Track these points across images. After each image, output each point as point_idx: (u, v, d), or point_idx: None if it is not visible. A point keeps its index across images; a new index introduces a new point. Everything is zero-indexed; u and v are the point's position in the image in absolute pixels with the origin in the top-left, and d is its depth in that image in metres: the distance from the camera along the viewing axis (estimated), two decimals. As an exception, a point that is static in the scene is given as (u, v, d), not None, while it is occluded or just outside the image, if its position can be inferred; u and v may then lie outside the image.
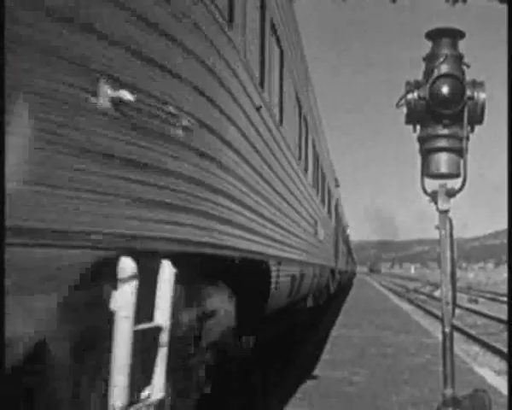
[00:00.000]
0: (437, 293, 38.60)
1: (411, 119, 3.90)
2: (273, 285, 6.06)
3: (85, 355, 2.41)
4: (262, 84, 5.58)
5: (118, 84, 2.21)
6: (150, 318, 2.70)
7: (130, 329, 2.38)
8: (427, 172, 3.94)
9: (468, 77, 3.81)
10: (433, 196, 3.92)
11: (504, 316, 20.39)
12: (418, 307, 28.55)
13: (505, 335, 15.54)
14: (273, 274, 6.03)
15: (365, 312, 20.00)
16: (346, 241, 30.21)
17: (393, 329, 14.30)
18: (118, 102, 2.19)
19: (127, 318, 2.39)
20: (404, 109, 3.86)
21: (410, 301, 32.79)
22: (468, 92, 3.77)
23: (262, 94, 5.45)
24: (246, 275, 5.09)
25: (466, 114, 3.78)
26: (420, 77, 3.87)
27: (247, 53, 4.64)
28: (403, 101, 3.85)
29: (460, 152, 3.86)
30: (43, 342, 2.03)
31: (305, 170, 9.84)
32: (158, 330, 2.75)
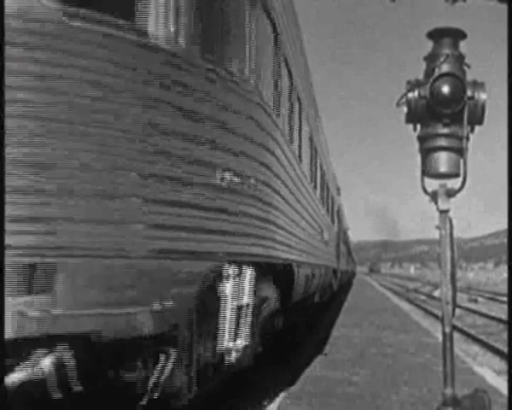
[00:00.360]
0: (437, 293, 38.59)
1: (411, 118, 3.89)
2: (295, 282, 8.26)
3: (209, 317, 4.79)
4: (291, 141, 7.84)
5: (224, 169, 4.66)
6: (241, 298, 5.14)
7: (232, 304, 4.93)
8: (426, 171, 3.94)
9: (469, 76, 3.81)
10: (433, 196, 3.92)
11: (504, 316, 20.40)
12: (418, 306, 28.56)
13: (505, 335, 15.55)
14: (295, 274, 8.18)
15: (365, 312, 20.00)
16: (347, 242, 32.46)
17: (393, 329, 14.30)
18: (223, 180, 4.65)
19: (231, 298, 4.89)
20: (405, 108, 3.86)
21: (410, 301, 32.80)
22: (469, 92, 3.77)
23: (291, 147, 7.77)
24: (281, 275, 7.31)
25: (466, 114, 3.78)
26: (420, 76, 3.87)
27: (285, 126, 7.19)
28: (403, 100, 3.84)
29: (460, 152, 3.86)
30: (188, 309, 4.32)
31: (315, 188, 11.75)
32: (245, 306, 5.18)
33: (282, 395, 6.84)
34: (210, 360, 5.03)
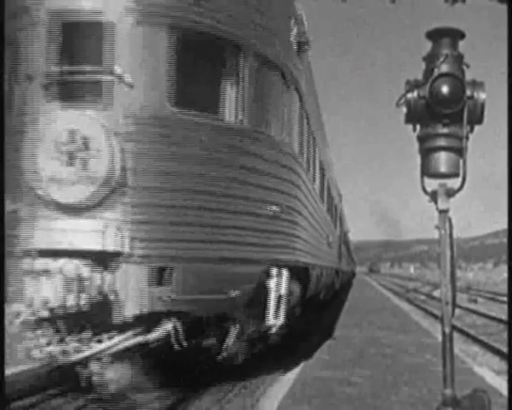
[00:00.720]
0: (436, 293, 38.60)
1: (411, 118, 3.89)
2: (310, 281, 10.42)
3: (259, 303, 6.94)
4: (308, 170, 10.08)
5: (271, 203, 7.15)
6: (280, 290, 7.34)
7: (276, 294, 7.29)
8: (426, 171, 3.94)
9: (468, 76, 3.81)
10: (433, 196, 3.91)
11: (504, 316, 20.40)
12: (417, 306, 28.55)
13: (505, 335, 15.55)
14: (310, 274, 10.35)
15: (365, 312, 20.00)
16: (347, 244, 34.23)
17: (393, 329, 14.30)
18: (270, 210, 7.07)
19: (275, 290, 7.19)
20: (404, 109, 3.86)
21: (410, 301, 32.80)
22: (468, 92, 3.76)
23: (308, 175, 10.03)
24: (301, 274, 9.12)
25: (465, 114, 3.78)
26: (419, 76, 3.87)
27: (304, 162, 9.29)
28: (403, 100, 3.84)
29: (459, 151, 3.85)
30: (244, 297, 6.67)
31: (322, 201, 13.72)
32: (282, 296, 7.38)
33: (280, 394, 6.84)
34: (257, 333, 7.56)
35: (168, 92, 6.21)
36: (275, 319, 7.43)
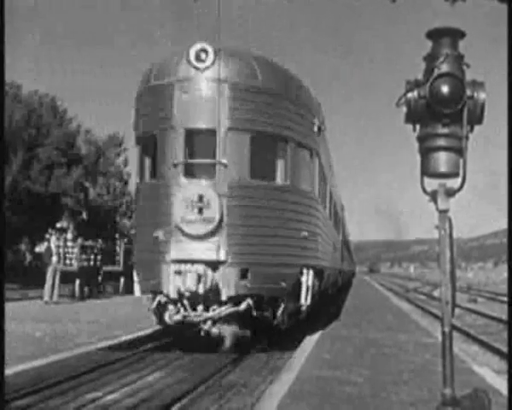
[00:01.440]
0: (436, 293, 38.57)
1: (411, 118, 3.89)
2: (324, 278, 14.94)
3: (295, 290, 11.57)
4: (324, 201, 14.16)
5: (304, 230, 11.83)
6: (308, 283, 11.90)
7: (305, 286, 11.74)
8: (426, 171, 3.93)
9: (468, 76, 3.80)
10: (433, 196, 3.91)
11: (504, 316, 20.39)
12: (417, 306, 28.54)
13: (505, 334, 15.54)
14: (324, 273, 14.84)
15: (365, 311, 19.99)
16: (348, 247, 38.47)
17: (393, 329, 14.30)
18: (304, 234, 11.87)
19: (305, 283, 11.71)
20: (404, 108, 3.85)
21: (410, 301, 32.78)
22: (468, 92, 3.76)
23: (323, 204, 14.25)
24: (319, 273, 13.29)
25: (466, 114, 3.77)
26: (419, 76, 3.86)
27: (320, 197, 13.44)
28: (403, 100, 3.84)
29: (459, 151, 3.85)
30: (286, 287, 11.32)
31: (330, 217, 17.62)
32: (309, 286, 11.90)
33: (280, 394, 6.83)
34: (294, 309, 11.84)
35: (247, 169, 10.81)
36: (305, 301, 11.86)
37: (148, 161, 11.48)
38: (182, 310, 10.45)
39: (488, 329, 18.93)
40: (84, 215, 40.37)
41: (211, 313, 10.41)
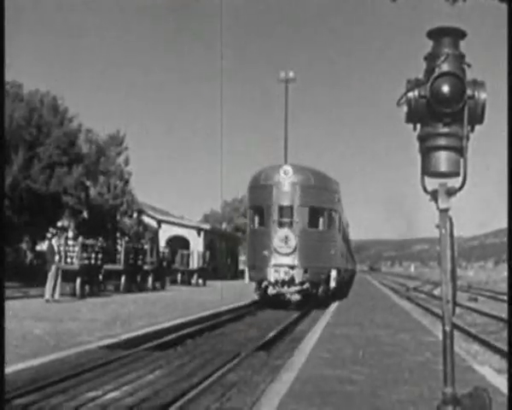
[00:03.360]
0: (437, 291, 38.55)
1: (411, 117, 3.88)
2: (340, 273, 26.20)
3: (326, 280, 23.31)
4: (340, 231, 26.24)
5: (333, 249, 24.64)
6: (335, 275, 23.91)
7: (333, 277, 23.36)
8: (426, 170, 3.93)
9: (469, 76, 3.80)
10: (434, 195, 3.91)
11: (504, 315, 20.40)
12: (418, 305, 28.56)
13: (505, 333, 15.55)
14: (341, 271, 26.97)
15: (365, 310, 20.02)
16: (350, 251, 45.86)
17: (393, 327, 14.32)
18: (332, 252, 24.92)
19: (333, 276, 23.40)
20: (405, 108, 3.85)
21: (410, 300, 32.79)
22: (469, 91, 3.76)
23: (340, 232, 26.39)
24: (339, 270, 25.24)
25: (466, 113, 3.77)
26: (420, 75, 3.86)
27: (339, 231, 26.04)
28: (403, 99, 3.84)
29: (460, 151, 3.85)
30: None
31: (342, 239, 27.47)
32: (336, 277, 23.74)
33: (279, 394, 6.85)
34: (327, 290, 23.05)
35: (307, 223, 22.51)
36: (332, 285, 22.83)
37: (257, 218, 23.02)
38: (276, 288, 21.75)
39: (489, 328, 18.94)
40: (85, 214, 40.38)
41: (290, 289, 21.86)
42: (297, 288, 21.73)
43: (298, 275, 21.62)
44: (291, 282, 21.54)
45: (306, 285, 21.81)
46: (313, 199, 22.48)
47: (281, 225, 22.05)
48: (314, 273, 22.08)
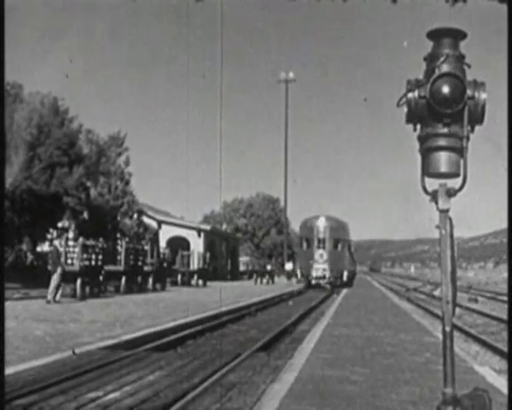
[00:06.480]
0: (437, 292, 38.58)
1: (412, 118, 3.88)
2: (348, 272, 51.21)
3: (342, 274, 48.19)
4: (350, 254, 55.42)
5: (347, 262, 51.54)
6: (348, 273, 51.07)
7: (346, 274, 48.07)
8: (426, 171, 3.93)
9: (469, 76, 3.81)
10: (434, 196, 3.91)
11: (504, 315, 20.39)
12: (418, 306, 28.55)
13: (505, 334, 15.54)
14: (348, 271, 51.73)
15: (365, 311, 20.02)
16: (351, 253, 57.88)
17: (393, 328, 14.32)
18: (346, 262, 53.09)
19: (345, 274, 47.85)
20: (405, 108, 3.85)
21: (410, 301, 32.79)
22: (469, 92, 3.76)
23: (350, 251, 55.41)
24: (349, 271, 51.85)
25: (466, 114, 3.77)
26: (420, 76, 3.86)
27: (349, 252, 54.45)
28: (403, 100, 3.84)
29: (460, 151, 3.85)
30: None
31: (349, 254, 54.25)
32: (349, 273, 51.34)
33: (279, 394, 6.85)
34: (341, 281, 45.90)
35: (332, 246, 46.78)
36: (344, 279, 46.00)
37: (305, 243, 46.39)
38: (315, 280, 44.07)
39: (489, 328, 18.93)
40: (86, 215, 40.38)
41: (323, 281, 43.72)
42: (326, 280, 43.90)
43: (327, 274, 44.32)
44: (323, 277, 44.26)
45: (331, 279, 43.88)
46: (335, 234, 46.06)
47: (318, 248, 45.28)
48: (335, 273, 44.56)
